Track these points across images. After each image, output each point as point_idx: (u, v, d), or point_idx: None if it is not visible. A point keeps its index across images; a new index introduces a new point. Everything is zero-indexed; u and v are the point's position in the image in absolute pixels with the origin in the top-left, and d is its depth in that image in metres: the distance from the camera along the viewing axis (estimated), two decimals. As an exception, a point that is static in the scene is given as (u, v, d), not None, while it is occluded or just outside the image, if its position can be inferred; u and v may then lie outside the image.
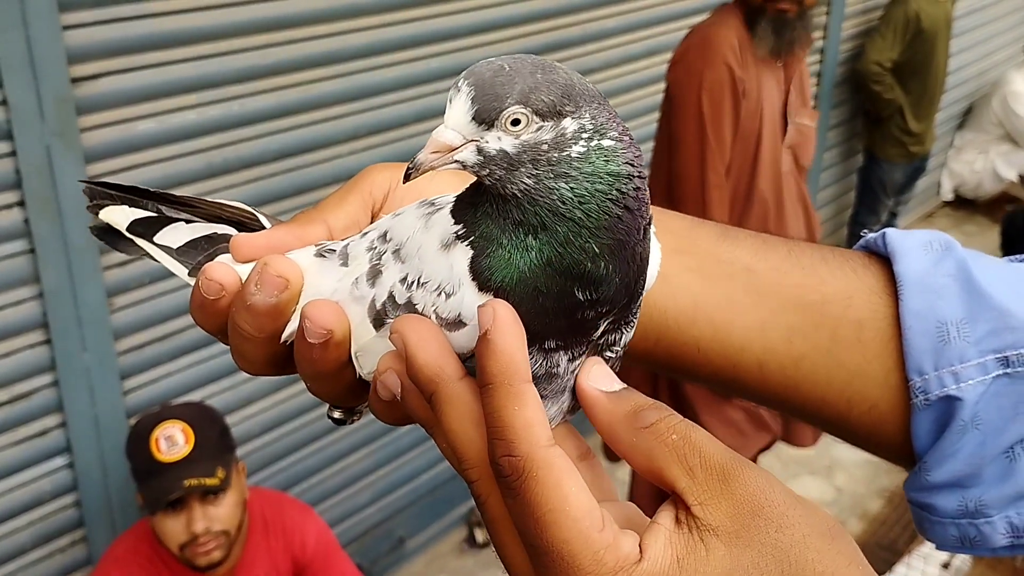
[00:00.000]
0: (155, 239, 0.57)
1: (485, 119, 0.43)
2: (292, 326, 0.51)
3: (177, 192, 0.59)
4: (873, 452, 0.61)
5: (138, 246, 0.58)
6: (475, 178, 0.46)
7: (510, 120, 0.43)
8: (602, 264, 0.44)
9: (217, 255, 0.56)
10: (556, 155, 0.43)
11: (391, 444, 3.22)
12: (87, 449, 2.43)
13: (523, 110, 0.43)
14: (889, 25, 4.75)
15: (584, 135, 0.44)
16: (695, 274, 0.60)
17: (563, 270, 0.44)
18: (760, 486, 0.41)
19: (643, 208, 0.45)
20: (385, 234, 0.50)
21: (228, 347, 0.54)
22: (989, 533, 0.55)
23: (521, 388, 0.43)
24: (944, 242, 0.57)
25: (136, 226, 0.58)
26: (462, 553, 3.52)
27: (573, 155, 0.43)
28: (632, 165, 0.45)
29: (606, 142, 0.44)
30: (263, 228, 0.57)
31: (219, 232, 0.58)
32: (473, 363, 0.45)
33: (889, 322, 0.57)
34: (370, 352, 0.49)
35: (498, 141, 0.43)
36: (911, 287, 0.56)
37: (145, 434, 2.06)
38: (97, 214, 0.58)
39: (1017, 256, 0.62)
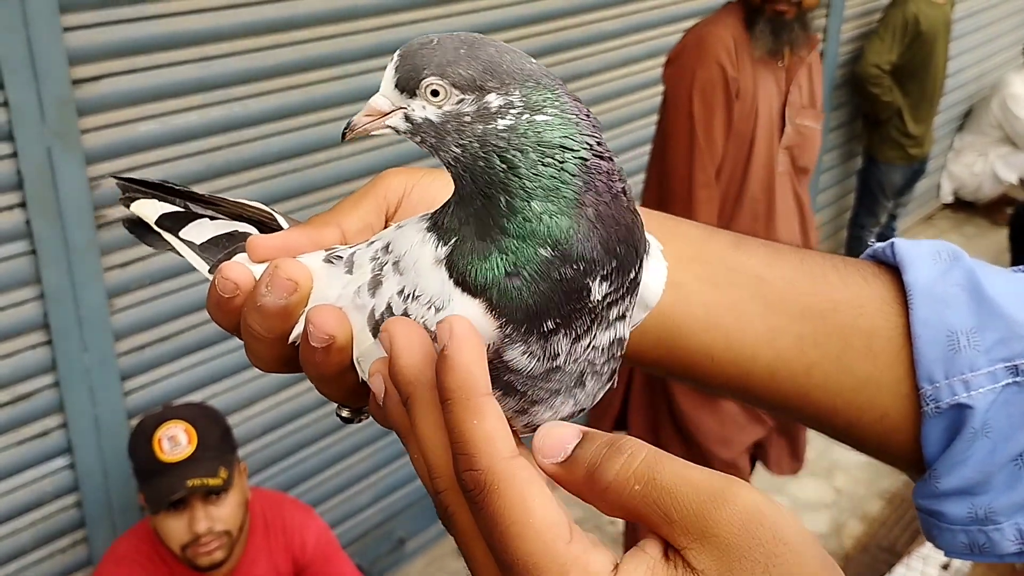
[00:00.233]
0: (181, 234, 0.59)
1: (406, 88, 0.46)
2: (300, 328, 0.52)
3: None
4: (883, 460, 0.61)
5: (165, 240, 0.59)
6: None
7: (429, 91, 0.45)
8: (557, 221, 0.44)
9: (235, 254, 0.57)
10: (480, 127, 0.45)
11: (392, 445, 3.22)
12: (88, 450, 2.43)
13: (440, 81, 0.45)
14: (888, 28, 4.76)
15: (512, 111, 0.45)
16: (706, 283, 0.60)
17: (526, 240, 0.44)
18: (744, 520, 0.39)
19: (602, 178, 0.45)
20: (387, 246, 0.51)
21: (235, 345, 0.54)
22: (998, 540, 0.56)
23: (479, 401, 0.42)
24: (952, 252, 0.58)
25: (164, 220, 0.59)
26: (462, 555, 3.52)
27: (499, 127, 0.44)
28: (573, 139, 0.44)
29: (540, 117, 0.44)
30: (280, 229, 0.58)
31: (239, 231, 0.59)
32: None
33: (899, 331, 0.57)
34: (370, 358, 0.50)
35: (423, 110, 0.46)
36: (920, 296, 0.56)
37: (148, 434, 2.06)
38: (129, 207, 0.60)
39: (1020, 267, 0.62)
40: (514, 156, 0.44)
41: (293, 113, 2.67)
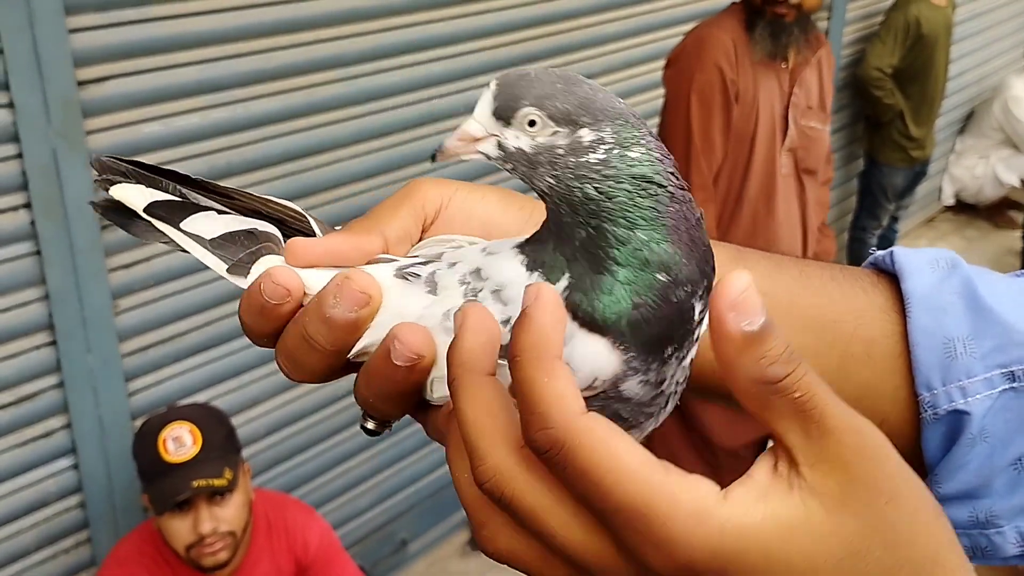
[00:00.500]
0: (183, 226, 0.55)
1: (503, 116, 0.46)
2: (364, 342, 0.51)
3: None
4: None
5: (158, 230, 0.55)
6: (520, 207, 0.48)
7: (526, 121, 0.46)
8: (664, 247, 0.45)
9: (262, 254, 0.54)
10: (573, 160, 0.45)
11: (394, 447, 3.23)
12: (92, 450, 2.44)
13: (538, 112, 0.46)
14: (890, 31, 4.76)
15: (603, 146, 0.46)
16: None
17: (643, 268, 0.45)
18: (877, 455, 0.40)
19: (686, 207, 0.47)
20: (479, 271, 0.50)
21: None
22: (1000, 543, 0.56)
23: (552, 362, 0.42)
24: (950, 260, 0.58)
25: (157, 209, 0.55)
26: (464, 556, 3.53)
27: (591, 160, 0.45)
28: (661, 175, 0.46)
29: (630, 153, 0.46)
30: (311, 230, 0.56)
31: (260, 229, 0.56)
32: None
33: (898, 339, 0.57)
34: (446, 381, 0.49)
35: (516, 139, 0.46)
36: (918, 305, 0.57)
37: (153, 435, 2.07)
38: (107, 190, 0.55)
39: (1022, 271, 0.63)
40: (611, 187, 0.45)
41: (296, 115, 2.67)
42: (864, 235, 5.27)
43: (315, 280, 0.52)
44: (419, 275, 0.52)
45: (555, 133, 0.46)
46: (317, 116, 2.72)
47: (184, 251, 0.55)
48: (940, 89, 4.98)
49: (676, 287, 0.45)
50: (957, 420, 0.55)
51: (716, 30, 2.88)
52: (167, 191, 0.56)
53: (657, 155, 0.47)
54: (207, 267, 0.55)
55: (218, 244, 0.55)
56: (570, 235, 0.47)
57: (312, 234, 0.56)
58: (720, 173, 2.88)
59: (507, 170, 0.47)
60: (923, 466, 0.58)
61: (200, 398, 2.59)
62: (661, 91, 3.07)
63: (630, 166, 0.46)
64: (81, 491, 2.47)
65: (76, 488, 2.46)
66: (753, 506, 0.39)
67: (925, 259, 0.58)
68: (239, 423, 2.66)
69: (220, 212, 0.56)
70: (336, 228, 0.57)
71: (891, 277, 0.59)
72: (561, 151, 0.46)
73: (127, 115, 2.34)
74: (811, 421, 0.39)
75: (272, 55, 2.58)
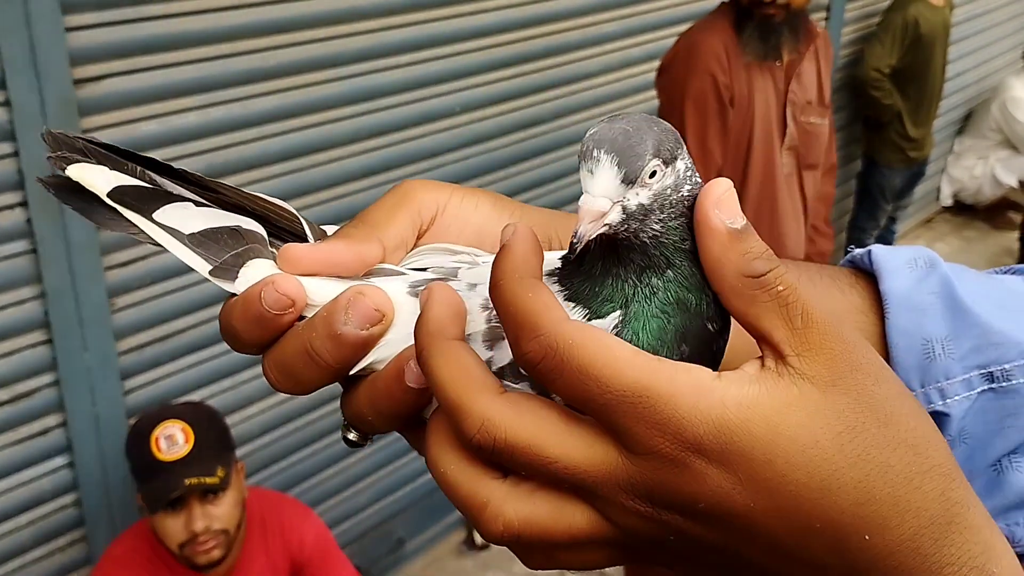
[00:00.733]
0: (156, 217, 0.50)
1: (632, 179, 0.44)
2: (370, 359, 0.49)
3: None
4: None
5: (124, 219, 0.50)
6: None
7: (648, 174, 0.44)
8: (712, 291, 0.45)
9: (249, 256, 0.51)
10: (675, 197, 0.45)
11: (390, 446, 3.23)
12: (87, 449, 2.44)
13: (657, 161, 0.44)
14: (888, 31, 4.76)
15: (689, 172, 0.46)
16: None
17: (691, 305, 0.45)
18: (858, 345, 0.41)
19: None
20: None
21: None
22: None
23: (533, 281, 0.42)
24: (928, 259, 0.58)
25: (123, 195, 0.50)
26: (461, 555, 3.53)
27: (685, 194, 0.45)
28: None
29: (696, 176, 0.46)
30: (302, 232, 0.53)
31: (244, 227, 0.52)
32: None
33: (876, 340, 0.57)
34: None
35: (637, 196, 0.44)
36: (896, 306, 0.56)
37: (145, 433, 2.07)
38: (64, 169, 0.49)
39: (1003, 268, 0.63)
40: (691, 219, 0.45)
41: (293, 114, 2.67)
42: (862, 236, 5.27)
43: (317, 290, 0.50)
44: None
45: (664, 175, 0.45)
46: (314, 115, 2.72)
47: (155, 244, 0.51)
48: (938, 90, 4.98)
49: (714, 335, 0.46)
50: (936, 422, 0.55)
51: (707, 34, 2.86)
52: (133, 175, 0.51)
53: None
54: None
55: (199, 241, 0.51)
56: (632, 271, 0.46)
57: (303, 236, 0.53)
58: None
59: (618, 231, 0.45)
60: None
61: (197, 396, 2.60)
62: (658, 91, 3.07)
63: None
64: (77, 489, 2.47)
65: (72, 486, 2.46)
66: (748, 385, 0.40)
67: (903, 258, 0.58)
68: (236, 421, 2.66)
69: (197, 204, 0.52)
70: (324, 228, 0.54)
71: (870, 277, 0.59)
72: (669, 191, 0.45)
73: (124, 114, 2.34)
74: (795, 313, 0.41)
75: (270, 54, 2.58)
